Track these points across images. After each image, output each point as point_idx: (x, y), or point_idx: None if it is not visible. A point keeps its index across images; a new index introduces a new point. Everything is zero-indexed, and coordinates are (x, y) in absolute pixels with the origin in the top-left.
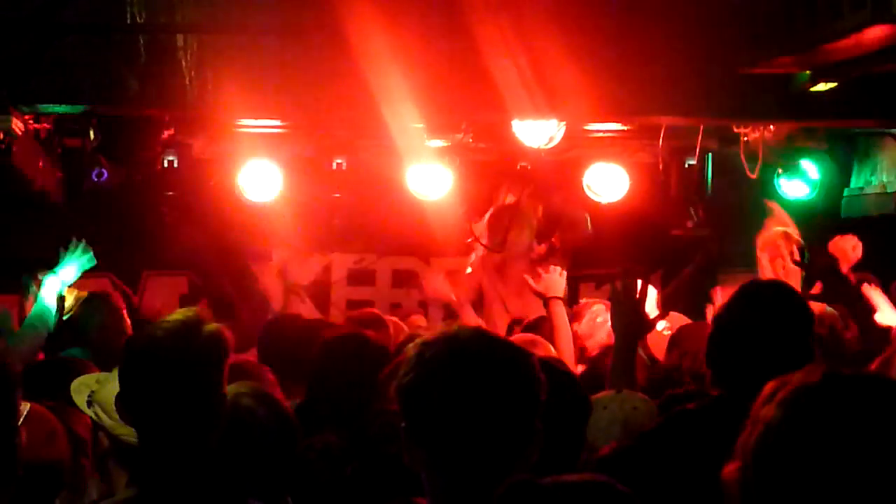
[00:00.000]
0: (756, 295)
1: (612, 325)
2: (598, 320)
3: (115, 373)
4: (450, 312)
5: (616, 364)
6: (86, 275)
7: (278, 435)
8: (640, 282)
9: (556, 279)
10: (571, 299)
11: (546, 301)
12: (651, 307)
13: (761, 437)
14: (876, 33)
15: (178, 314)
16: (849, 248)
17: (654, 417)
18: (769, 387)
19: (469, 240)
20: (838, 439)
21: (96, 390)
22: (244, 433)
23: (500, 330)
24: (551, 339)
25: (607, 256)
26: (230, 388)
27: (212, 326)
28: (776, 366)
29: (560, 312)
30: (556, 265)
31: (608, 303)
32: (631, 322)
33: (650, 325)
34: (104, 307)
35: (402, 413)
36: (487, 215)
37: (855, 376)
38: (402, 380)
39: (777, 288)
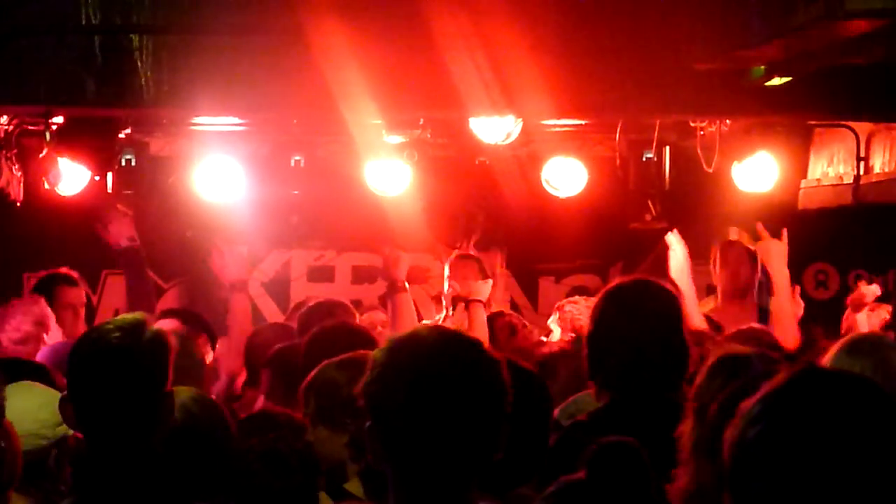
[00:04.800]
0: (620, 298)
1: None
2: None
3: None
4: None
5: None
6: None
7: (213, 436)
8: None
9: (481, 286)
10: (531, 293)
11: (467, 303)
12: None
13: (741, 433)
14: (829, 28)
15: (122, 317)
16: None
17: None
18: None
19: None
20: (817, 436)
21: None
22: (181, 434)
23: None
24: None
25: (567, 251)
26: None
27: (155, 327)
28: (654, 364)
29: (478, 315)
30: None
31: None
32: None
33: None
34: None
35: (367, 414)
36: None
37: (836, 373)
38: (367, 381)
39: (641, 286)
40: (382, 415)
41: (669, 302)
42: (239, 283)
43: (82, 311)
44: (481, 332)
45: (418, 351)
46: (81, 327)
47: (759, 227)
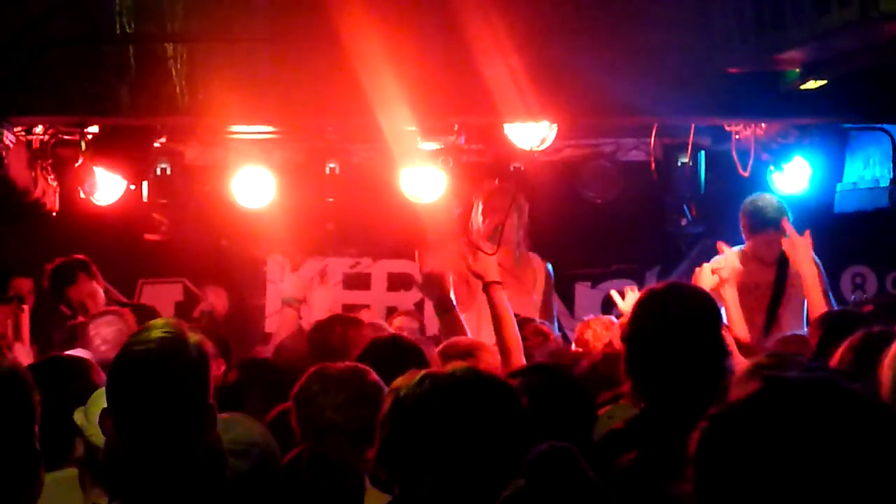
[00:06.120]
0: (653, 304)
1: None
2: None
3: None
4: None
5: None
6: None
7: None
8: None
9: (492, 262)
10: (567, 299)
11: (486, 286)
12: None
13: (701, 441)
14: (864, 30)
15: (161, 326)
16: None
17: None
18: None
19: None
20: (770, 446)
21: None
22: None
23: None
24: (498, 327)
25: (602, 255)
26: None
27: (196, 338)
28: (690, 370)
29: (502, 298)
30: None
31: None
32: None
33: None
34: None
35: (385, 444)
36: (479, 211)
37: (797, 381)
38: (387, 414)
39: (674, 291)
40: (399, 472)
41: (703, 306)
42: (294, 300)
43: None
44: (508, 317)
45: (427, 405)
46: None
47: (785, 222)
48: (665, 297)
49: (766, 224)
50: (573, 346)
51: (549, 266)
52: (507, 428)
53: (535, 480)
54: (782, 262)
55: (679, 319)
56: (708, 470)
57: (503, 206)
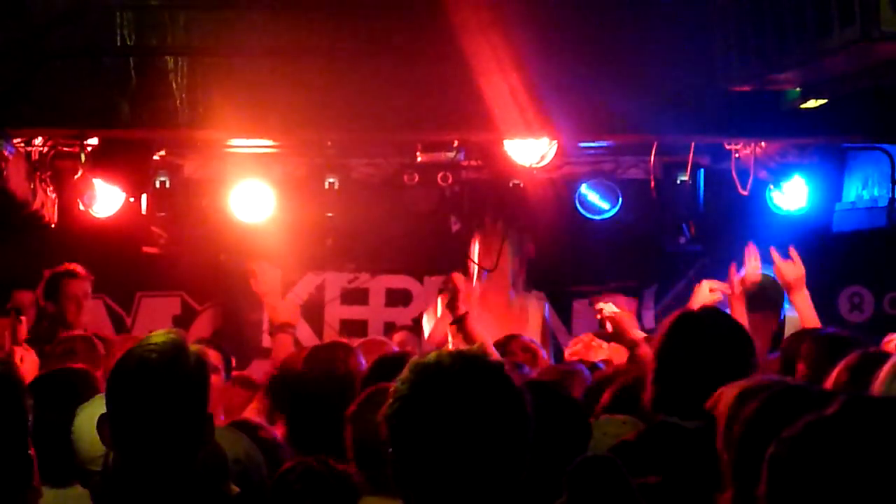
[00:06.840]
0: (693, 324)
1: None
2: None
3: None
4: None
5: None
6: None
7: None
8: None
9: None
10: (564, 315)
11: (458, 318)
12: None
13: (782, 458)
14: (865, 50)
15: (161, 336)
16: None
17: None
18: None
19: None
20: (860, 460)
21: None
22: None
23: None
24: None
25: (601, 273)
26: None
27: (196, 348)
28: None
29: (474, 327)
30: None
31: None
32: None
33: None
34: None
35: (389, 441)
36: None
37: (877, 399)
38: (388, 409)
39: (713, 315)
40: (403, 444)
41: (738, 334)
42: (288, 325)
43: (85, 303)
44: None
45: (437, 379)
46: (84, 317)
47: (773, 250)
48: (703, 319)
49: (762, 306)
50: None
51: (547, 306)
52: (501, 412)
53: (578, 492)
54: (776, 341)
55: (716, 342)
56: (792, 487)
57: (496, 247)
